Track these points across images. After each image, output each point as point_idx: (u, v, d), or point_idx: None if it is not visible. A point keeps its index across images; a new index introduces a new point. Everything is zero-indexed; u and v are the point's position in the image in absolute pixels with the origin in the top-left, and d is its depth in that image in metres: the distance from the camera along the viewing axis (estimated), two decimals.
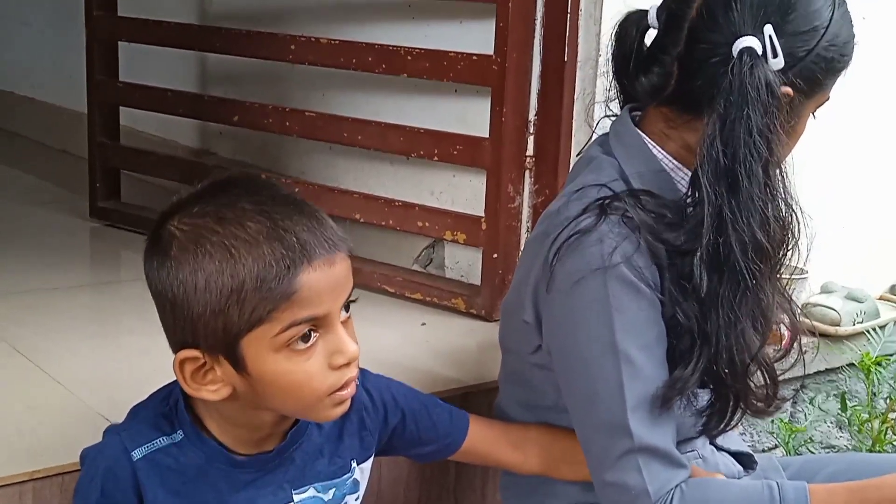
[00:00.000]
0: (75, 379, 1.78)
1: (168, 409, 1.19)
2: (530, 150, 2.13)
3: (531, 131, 2.12)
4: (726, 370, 1.25)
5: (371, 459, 1.35)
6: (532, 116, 2.12)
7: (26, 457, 1.46)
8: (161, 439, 1.18)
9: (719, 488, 1.30)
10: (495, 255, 2.14)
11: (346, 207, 2.32)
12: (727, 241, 1.22)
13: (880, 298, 2.55)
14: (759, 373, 1.29)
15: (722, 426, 1.33)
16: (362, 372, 1.33)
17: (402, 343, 2.05)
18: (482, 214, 2.15)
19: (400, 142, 2.24)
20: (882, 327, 2.33)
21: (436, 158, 2.20)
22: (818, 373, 2.37)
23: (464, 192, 2.26)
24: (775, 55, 1.22)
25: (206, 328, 1.10)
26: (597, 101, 2.04)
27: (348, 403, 1.18)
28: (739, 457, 1.50)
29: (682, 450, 1.34)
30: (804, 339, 2.21)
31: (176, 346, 1.14)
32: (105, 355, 1.95)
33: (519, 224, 2.16)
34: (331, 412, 1.18)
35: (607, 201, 1.28)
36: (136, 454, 1.16)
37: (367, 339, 2.02)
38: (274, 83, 2.71)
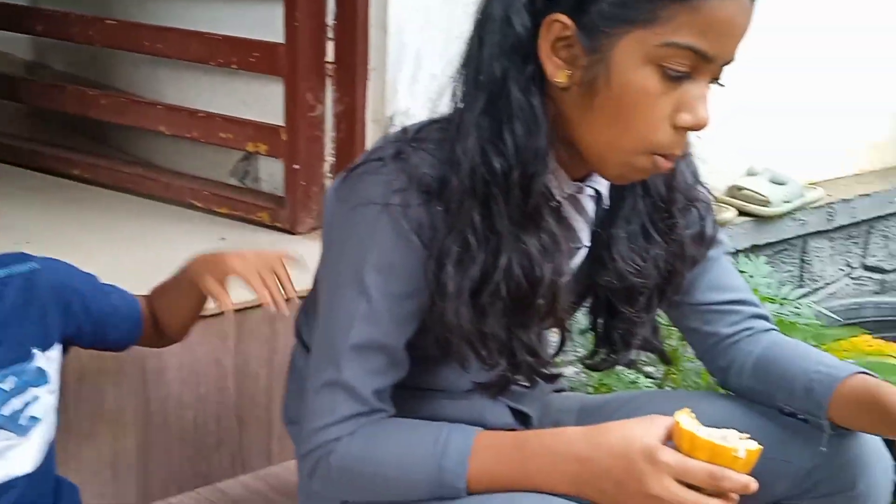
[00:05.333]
0: None
1: None
2: (330, 56, 2.05)
3: (330, 36, 2.04)
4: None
5: (57, 347, 1.31)
6: (331, 20, 2.03)
7: None
8: None
9: (395, 429, 1.22)
10: (296, 167, 2.07)
11: (151, 119, 2.24)
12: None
13: None
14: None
15: (494, 390, 1.27)
16: (37, 259, 1.31)
17: None
18: (282, 124, 2.08)
19: (199, 49, 2.16)
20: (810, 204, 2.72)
21: (234, 66, 2.12)
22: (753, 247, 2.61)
23: (273, 102, 2.17)
24: None
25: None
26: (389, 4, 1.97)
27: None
28: (519, 413, 1.42)
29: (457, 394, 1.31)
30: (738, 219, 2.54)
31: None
32: None
33: (322, 133, 2.09)
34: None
35: (408, 143, 1.20)
36: None
37: (161, 255, 1.97)
38: None
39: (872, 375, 1.27)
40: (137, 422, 1.68)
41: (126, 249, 1.99)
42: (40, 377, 1.27)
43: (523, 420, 1.43)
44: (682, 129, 1.12)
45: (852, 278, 3.09)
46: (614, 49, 1.08)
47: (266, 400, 1.83)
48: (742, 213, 2.61)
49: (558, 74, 1.12)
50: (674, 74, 1.08)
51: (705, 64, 1.09)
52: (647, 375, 2.13)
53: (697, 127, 1.12)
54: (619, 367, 2.06)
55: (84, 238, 2.05)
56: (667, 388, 1.98)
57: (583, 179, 1.26)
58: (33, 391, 1.27)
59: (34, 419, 1.27)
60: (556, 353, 1.28)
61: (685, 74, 1.09)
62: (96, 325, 1.36)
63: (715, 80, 1.13)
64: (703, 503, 1.09)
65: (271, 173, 2.25)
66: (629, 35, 1.07)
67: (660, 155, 1.14)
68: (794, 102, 2.81)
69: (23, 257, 1.31)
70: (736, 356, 1.37)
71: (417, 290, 1.20)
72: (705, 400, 1.40)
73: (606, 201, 1.29)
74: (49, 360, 1.29)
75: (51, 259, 1.34)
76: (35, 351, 1.27)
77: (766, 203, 2.61)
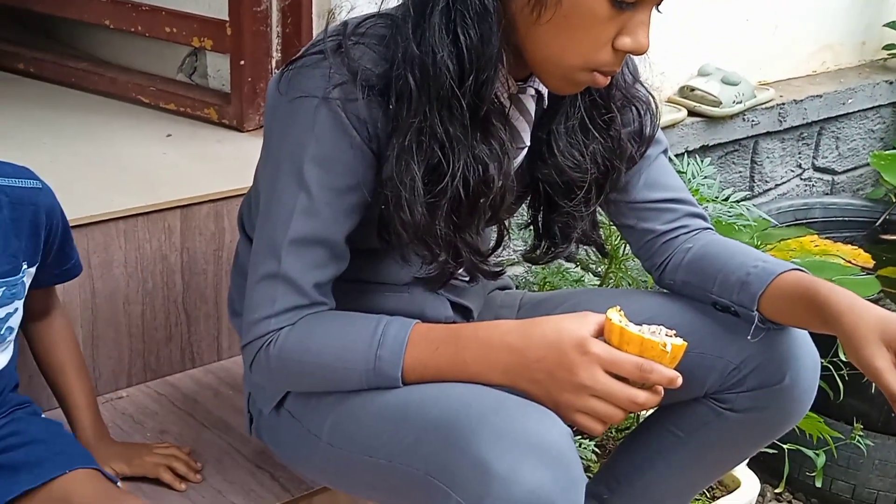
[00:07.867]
0: None
1: None
2: None
3: None
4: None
5: (36, 266, 1.34)
6: None
7: None
8: None
9: (334, 320, 1.24)
10: (242, 62, 2.04)
11: (94, 13, 2.19)
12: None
13: None
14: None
15: (435, 284, 1.31)
16: (39, 179, 1.33)
17: (140, 154, 1.97)
18: (227, 18, 2.04)
19: None
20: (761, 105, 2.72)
21: None
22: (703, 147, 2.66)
23: None
24: None
25: None
26: None
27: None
28: (461, 307, 1.44)
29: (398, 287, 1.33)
30: (689, 119, 2.57)
31: None
32: None
33: (268, 29, 2.05)
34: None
35: (349, 37, 1.19)
36: None
37: (104, 151, 1.94)
38: None
39: (808, 273, 1.30)
40: (85, 316, 1.68)
41: (69, 145, 1.97)
42: (21, 291, 1.29)
43: (465, 314, 1.45)
44: (621, 51, 1.15)
45: (803, 179, 3.12)
46: None
47: (214, 295, 1.84)
48: (693, 113, 2.61)
49: None
50: (623, 3, 1.11)
51: None
52: (595, 274, 2.16)
53: (637, 52, 1.16)
54: (565, 265, 2.10)
55: (26, 132, 2.02)
56: (608, 286, 2.01)
57: (525, 80, 1.27)
58: (16, 303, 1.29)
59: (10, 329, 1.29)
60: (494, 250, 1.30)
61: (633, 4, 1.12)
62: (47, 263, 1.37)
63: (657, 5, 1.16)
64: (631, 394, 1.12)
65: (219, 69, 2.21)
66: None
67: (598, 71, 1.17)
68: (747, 2, 2.80)
69: (28, 172, 1.32)
70: (671, 252, 1.40)
71: (358, 184, 1.21)
72: (640, 297, 1.43)
73: (546, 101, 1.29)
74: (28, 276, 1.32)
75: (47, 185, 1.36)
76: (24, 265, 1.29)
77: (717, 103, 2.61)
